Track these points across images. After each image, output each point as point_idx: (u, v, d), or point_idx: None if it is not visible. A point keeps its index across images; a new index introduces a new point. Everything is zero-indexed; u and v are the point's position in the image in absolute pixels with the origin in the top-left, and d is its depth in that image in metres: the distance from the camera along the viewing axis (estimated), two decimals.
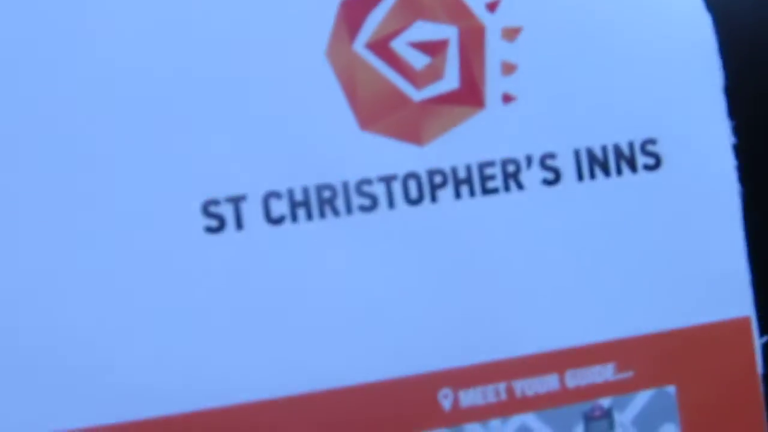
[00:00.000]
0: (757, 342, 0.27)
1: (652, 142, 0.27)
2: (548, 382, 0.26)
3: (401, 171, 0.25)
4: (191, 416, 0.24)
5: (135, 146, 0.24)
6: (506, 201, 0.26)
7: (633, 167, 0.26)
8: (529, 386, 0.26)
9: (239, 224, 0.25)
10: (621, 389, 0.26)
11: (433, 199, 0.26)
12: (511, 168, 0.26)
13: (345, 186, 0.25)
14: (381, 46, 0.26)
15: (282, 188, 0.25)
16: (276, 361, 0.25)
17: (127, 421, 0.24)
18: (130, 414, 0.24)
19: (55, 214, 0.24)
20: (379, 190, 0.25)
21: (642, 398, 0.27)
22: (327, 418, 0.25)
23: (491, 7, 0.26)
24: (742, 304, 0.27)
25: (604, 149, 0.26)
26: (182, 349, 0.24)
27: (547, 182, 0.26)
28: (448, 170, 0.26)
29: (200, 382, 0.25)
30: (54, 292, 0.24)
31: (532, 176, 0.26)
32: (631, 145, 0.26)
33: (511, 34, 0.26)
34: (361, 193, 0.25)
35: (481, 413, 0.26)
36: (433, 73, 0.26)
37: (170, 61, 0.25)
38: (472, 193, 0.26)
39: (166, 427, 0.24)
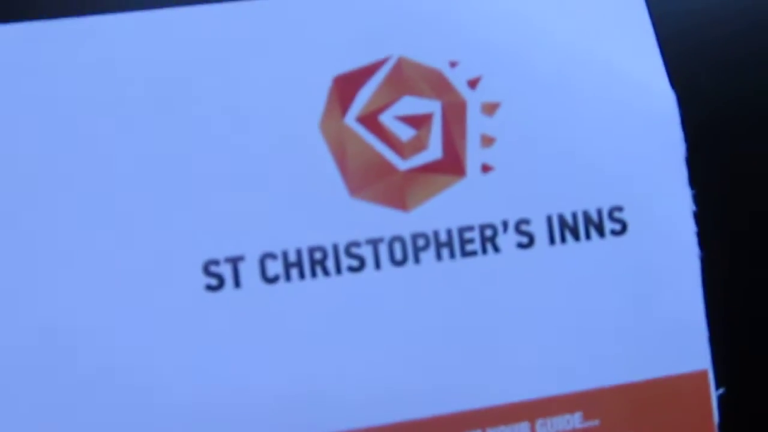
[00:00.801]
0: (714, 394, 0.29)
1: (619, 209, 0.29)
2: (520, 430, 0.28)
3: (387, 234, 0.28)
4: None
5: (143, 209, 0.26)
6: (483, 263, 0.28)
7: (601, 232, 0.29)
8: None
9: (237, 283, 0.27)
10: None
11: (417, 260, 0.28)
12: (488, 232, 0.28)
13: (335, 248, 0.27)
14: (370, 120, 0.28)
15: (277, 250, 0.27)
16: (269, 411, 0.27)
17: None
18: None
19: (70, 270, 0.26)
20: (366, 252, 0.27)
21: None
22: None
23: (472, 84, 0.28)
24: (700, 359, 0.29)
25: (574, 215, 0.29)
26: (181, 394, 0.26)
27: (522, 246, 0.28)
28: (430, 234, 0.28)
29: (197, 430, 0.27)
30: (65, 339, 0.26)
31: (508, 240, 0.28)
32: (599, 212, 0.29)
33: (490, 109, 0.28)
34: (350, 255, 0.27)
35: None
36: (418, 144, 0.28)
37: (174, 130, 0.27)
38: (452, 255, 0.28)
39: None
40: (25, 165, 0.26)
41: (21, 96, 0.26)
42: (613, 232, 0.29)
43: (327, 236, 0.27)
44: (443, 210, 0.28)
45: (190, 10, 0.27)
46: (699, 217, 0.29)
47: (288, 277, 0.27)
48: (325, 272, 0.27)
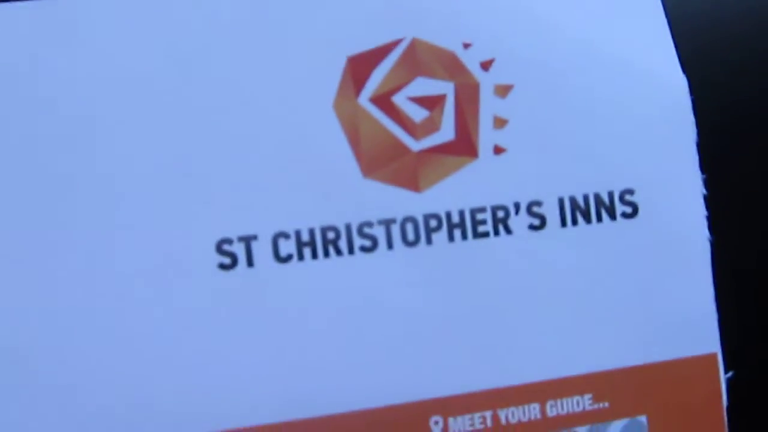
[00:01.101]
0: (723, 377, 0.29)
1: (630, 192, 0.29)
2: (530, 411, 0.28)
3: (400, 215, 0.28)
4: None
5: (157, 189, 0.26)
6: (495, 244, 0.28)
7: (612, 215, 0.29)
8: (512, 414, 0.28)
9: (250, 262, 0.27)
10: (597, 418, 0.29)
11: (429, 241, 0.28)
12: (500, 214, 0.28)
13: (348, 228, 0.27)
14: (383, 100, 0.28)
15: (290, 229, 0.27)
16: (281, 388, 0.27)
17: None
18: None
19: (84, 254, 0.26)
20: (378, 232, 0.28)
21: (616, 427, 0.29)
22: None
23: (485, 66, 0.28)
24: (709, 342, 0.29)
25: (585, 198, 0.29)
26: (195, 373, 0.27)
27: (533, 227, 0.28)
28: (443, 215, 0.28)
29: (210, 407, 0.27)
30: (80, 320, 0.26)
31: (520, 222, 0.28)
32: (610, 195, 0.29)
33: (503, 91, 0.28)
34: (363, 235, 0.28)
35: None
36: (431, 126, 0.28)
37: (187, 112, 0.27)
38: (464, 236, 0.28)
39: None
40: (39, 151, 0.26)
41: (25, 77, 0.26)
42: (624, 215, 0.29)
43: (340, 216, 0.27)
44: (455, 191, 0.28)
45: None
46: (709, 202, 0.29)
47: (301, 257, 0.27)
48: (338, 252, 0.27)
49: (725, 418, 0.29)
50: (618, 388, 0.29)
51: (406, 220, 0.28)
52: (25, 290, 0.26)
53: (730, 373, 0.30)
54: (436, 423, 0.28)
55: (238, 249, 0.27)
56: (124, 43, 0.27)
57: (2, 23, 0.26)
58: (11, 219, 0.26)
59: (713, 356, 0.29)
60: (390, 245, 0.28)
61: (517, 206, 0.28)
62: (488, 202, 0.28)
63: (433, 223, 0.28)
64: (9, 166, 0.26)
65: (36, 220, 0.26)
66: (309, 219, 0.27)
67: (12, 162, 0.26)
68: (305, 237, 0.27)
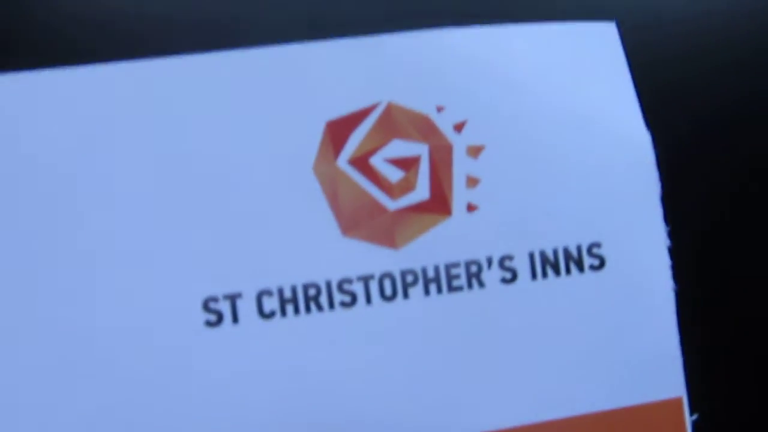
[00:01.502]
0: (688, 419, 0.31)
1: (597, 245, 0.30)
2: None
3: (378, 271, 0.29)
4: None
5: (146, 248, 0.28)
6: (469, 297, 0.30)
7: (580, 267, 0.30)
8: None
9: (235, 318, 0.28)
10: None
11: (406, 295, 0.29)
12: (473, 268, 0.30)
13: (328, 284, 0.29)
14: (361, 162, 0.29)
15: (273, 286, 0.28)
16: None
17: None
18: None
19: (78, 311, 0.27)
20: (358, 288, 0.29)
21: None
22: None
23: (458, 128, 0.30)
24: (675, 387, 0.31)
25: (555, 251, 0.30)
26: (184, 425, 0.28)
27: (505, 281, 0.30)
28: (419, 270, 0.29)
29: None
30: (72, 371, 0.27)
31: (492, 275, 0.30)
32: (578, 248, 0.30)
33: (474, 151, 0.30)
34: (342, 291, 0.29)
35: None
36: (407, 185, 0.29)
37: (174, 174, 0.28)
38: (439, 290, 0.29)
39: None
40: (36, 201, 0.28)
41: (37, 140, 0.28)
42: (592, 267, 0.30)
43: (320, 273, 0.29)
44: (431, 247, 0.29)
45: (190, 59, 0.29)
46: (673, 252, 0.31)
47: (284, 313, 0.28)
48: (319, 307, 0.29)
49: None
50: None
51: (383, 276, 0.29)
52: (19, 347, 0.27)
53: (695, 416, 0.31)
54: None
55: (224, 306, 0.28)
56: (117, 109, 0.28)
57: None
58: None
59: (679, 400, 0.31)
60: (369, 300, 0.29)
61: (489, 260, 0.30)
62: (462, 257, 0.29)
63: (410, 278, 0.29)
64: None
65: (33, 275, 0.27)
66: (291, 276, 0.29)
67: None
68: (288, 294, 0.29)
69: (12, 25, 0.28)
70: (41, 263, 0.27)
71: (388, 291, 0.29)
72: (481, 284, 0.30)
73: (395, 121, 0.29)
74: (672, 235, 0.31)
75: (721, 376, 0.31)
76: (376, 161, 0.29)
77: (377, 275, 0.29)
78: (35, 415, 0.27)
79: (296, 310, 0.29)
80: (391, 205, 0.29)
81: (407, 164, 0.29)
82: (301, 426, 0.28)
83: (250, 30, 0.29)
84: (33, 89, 0.28)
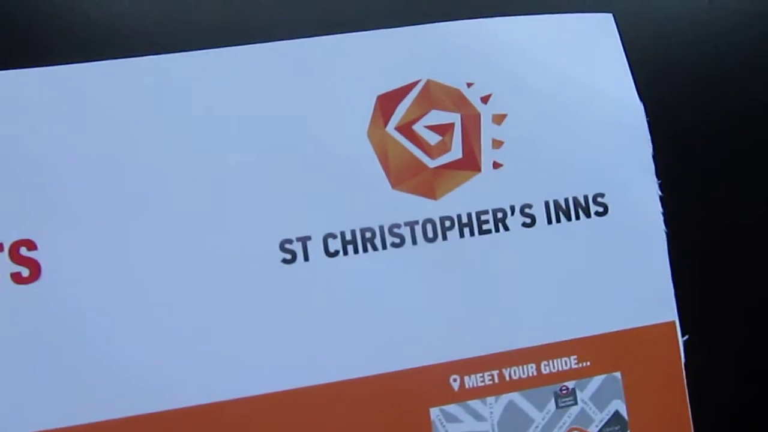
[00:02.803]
0: (680, 340, 0.37)
1: (602, 195, 0.37)
2: (528, 370, 0.36)
3: (421, 218, 0.35)
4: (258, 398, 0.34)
5: (236, 202, 0.34)
6: (497, 239, 0.36)
7: (587, 214, 0.36)
8: (514, 372, 0.36)
9: (306, 257, 0.35)
10: (582, 375, 0.36)
11: (444, 238, 0.35)
12: (499, 215, 0.36)
13: (381, 229, 0.35)
14: (406, 129, 0.36)
15: (337, 231, 0.35)
16: (330, 354, 0.34)
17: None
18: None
19: (175, 251, 0.34)
20: (405, 232, 0.35)
21: (597, 381, 0.36)
22: (370, 398, 0.34)
23: (485, 100, 0.36)
24: (668, 312, 0.37)
25: (566, 201, 0.36)
26: (260, 342, 0.34)
27: (526, 225, 0.36)
28: (455, 217, 0.36)
29: (271, 370, 0.34)
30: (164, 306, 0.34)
31: (515, 221, 0.36)
32: (585, 198, 0.36)
33: (499, 119, 0.36)
34: (393, 234, 0.35)
35: (481, 392, 0.35)
36: (443, 147, 0.36)
37: (255, 146, 0.34)
38: (472, 233, 0.36)
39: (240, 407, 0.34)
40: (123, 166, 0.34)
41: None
42: (597, 214, 0.36)
43: (374, 220, 0.35)
44: (464, 198, 0.36)
45: (261, 48, 0.35)
46: (664, 201, 0.37)
47: (345, 252, 0.35)
48: (374, 248, 0.35)
49: (683, 373, 0.37)
50: (597, 350, 0.36)
51: (426, 221, 0.35)
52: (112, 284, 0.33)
53: (686, 337, 0.37)
54: (455, 380, 0.35)
55: (297, 247, 0.34)
56: (210, 94, 0.35)
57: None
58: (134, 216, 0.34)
59: (672, 323, 0.37)
60: (414, 242, 0.35)
61: (512, 209, 0.36)
62: (490, 206, 0.36)
63: (448, 223, 0.35)
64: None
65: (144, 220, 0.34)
66: (351, 222, 0.35)
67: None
68: (348, 237, 0.35)
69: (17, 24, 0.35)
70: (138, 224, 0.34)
71: (430, 234, 0.35)
72: (506, 228, 0.36)
73: (433, 95, 0.36)
74: (663, 187, 0.37)
75: (709, 303, 0.38)
76: (418, 128, 0.36)
77: (421, 221, 0.35)
78: (144, 337, 0.33)
79: (356, 250, 0.35)
80: (431, 163, 0.36)
81: (443, 130, 0.36)
82: (361, 340, 0.34)
83: (309, 21, 0.36)
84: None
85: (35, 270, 0.33)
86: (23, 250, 0.33)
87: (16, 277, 0.33)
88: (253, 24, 0.36)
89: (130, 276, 0.34)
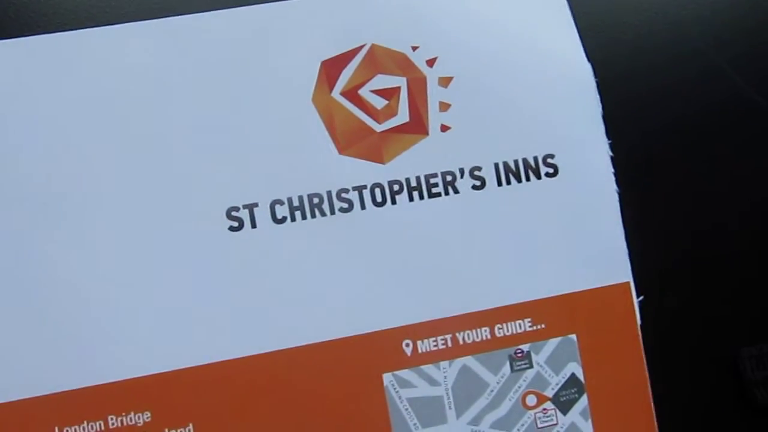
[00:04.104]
0: (635, 300, 0.37)
1: (551, 156, 0.36)
2: (482, 333, 0.35)
3: (369, 182, 0.35)
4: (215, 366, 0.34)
5: (182, 171, 0.34)
6: (446, 202, 0.36)
7: (537, 175, 0.36)
8: (468, 336, 0.35)
9: (253, 224, 0.34)
10: (536, 337, 0.36)
11: (393, 202, 0.35)
12: (449, 178, 0.36)
13: (329, 194, 0.35)
14: (352, 93, 0.35)
15: (284, 197, 0.34)
16: (280, 321, 0.34)
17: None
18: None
19: (129, 219, 0.33)
20: (353, 196, 0.35)
21: (552, 344, 0.36)
22: (322, 365, 0.34)
23: (430, 63, 0.36)
24: (623, 273, 0.37)
25: (516, 162, 0.36)
26: (209, 311, 0.34)
27: (476, 188, 0.36)
28: (403, 181, 0.35)
29: (222, 338, 0.34)
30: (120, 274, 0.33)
31: (465, 183, 0.36)
32: (535, 159, 0.36)
33: (445, 82, 0.36)
34: (341, 199, 0.35)
35: (434, 357, 0.35)
36: (390, 111, 0.36)
37: (198, 115, 0.34)
38: (421, 196, 0.35)
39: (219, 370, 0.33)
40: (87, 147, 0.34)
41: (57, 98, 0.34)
42: (548, 175, 0.36)
43: (322, 185, 0.35)
44: (412, 162, 0.35)
45: (200, 17, 0.35)
46: (615, 161, 0.37)
47: (293, 218, 0.34)
48: (322, 213, 0.35)
49: (639, 334, 0.37)
50: (551, 312, 0.36)
51: (374, 186, 0.35)
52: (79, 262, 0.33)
53: (641, 298, 0.37)
54: (407, 345, 0.35)
55: (244, 214, 0.34)
56: (150, 65, 0.34)
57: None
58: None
59: (626, 284, 0.37)
60: (363, 206, 0.35)
61: (461, 171, 0.36)
62: (439, 169, 0.36)
63: (396, 187, 0.35)
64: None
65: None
66: (298, 188, 0.35)
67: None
68: (296, 203, 0.35)
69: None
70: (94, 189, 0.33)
71: (379, 198, 0.35)
72: (456, 191, 0.36)
73: (378, 59, 0.36)
74: (613, 147, 0.37)
75: (661, 264, 0.37)
76: (364, 92, 0.35)
77: (369, 185, 0.35)
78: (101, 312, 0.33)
79: (303, 216, 0.35)
80: (378, 127, 0.35)
81: (389, 94, 0.36)
82: (310, 307, 0.34)
83: None
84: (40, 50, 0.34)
85: None
86: None
87: None
88: None
89: (80, 249, 0.33)
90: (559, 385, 0.36)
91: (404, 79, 0.36)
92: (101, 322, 0.33)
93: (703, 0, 0.39)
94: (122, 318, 0.33)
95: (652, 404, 0.36)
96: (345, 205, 0.35)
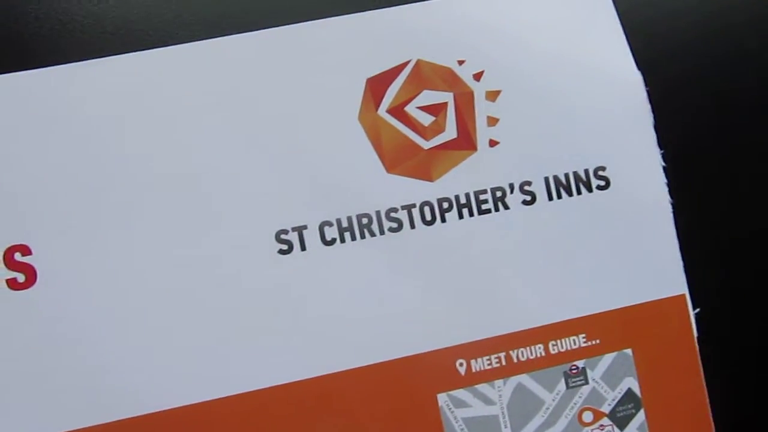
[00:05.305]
0: (692, 313, 0.36)
1: (602, 168, 0.36)
2: (536, 350, 0.35)
3: (418, 200, 0.35)
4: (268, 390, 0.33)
5: (229, 196, 0.34)
6: (496, 218, 0.35)
7: (589, 188, 0.36)
8: (522, 354, 0.35)
9: (303, 247, 0.34)
10: (591, 353, 0.35)
11: (443, 220, 0.35)
12: (498, 194, 0.35)
13: (378, 214, 0.34)
14: (398, 111, 0.35)
15: (333, 218, 0.34)
16: (333, 344, 0.34)
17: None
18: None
19: (177, 245, 0.33)
20: (403, 215, 0.35)
21: (607, 359, 0.35)
22: (377, 387, 0.34)
23: (477, 77, 0.35)
24: (678, 285, 0.36)
25: (566, 176, 0.35)
26: (262, 335, 0.33)
27: (526, 203, 0.35)
28: (452, 198, 0.35)
29: (275, 362, 0.33)
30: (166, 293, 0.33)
31: (515, 199, 0.35)
32: (586, 172, 0.36)
33: (492, 95, 0.35)
34: (390, 219, 0.34)
35: (488, 376, 0.35)
36: (437, 128, 0.35)
37: (249, 137, 0.34)
38: (471, 213, 0.35)
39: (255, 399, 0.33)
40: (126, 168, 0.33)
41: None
42: (599, 188, 0.36)
43: (371, 205, 0.34)
44: (461, 178, 0.35)
45: (244, 37, 0.35)
46: (667, 172, 0.36)
47: (342, 240, 0.34)
48: (371, 233, 0.34)
49: (696, 347, 0.36)
50: (606, 327, 0.35)
51: (423, 204, 0.35)
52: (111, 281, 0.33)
53: (697, 310, 0.36)
54: (461, 364, 0.34)
55: (293, 237, 0.34)
56: (198, 87, 0.34)
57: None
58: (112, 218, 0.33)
59: (682, 297, 0.36)
60: (412, 225, 0.35)
61: (511, 187, 0.35)
62: (488, 185, 0.35)
63: (446, 205, 0.35)
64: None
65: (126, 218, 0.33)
66: (347, 209, 0.34)
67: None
68: (345, 224, 0.34)
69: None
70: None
71: (428, 216, 0.35)
72: (506, 206, 0.35)
73: (424, 75, 0.35)
74: (665, 157, 0.36)
75: (718, 276, 0.37)
76: (411, 109, 0.35)
77: (418, 204, 0.35)
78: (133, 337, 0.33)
79: (353, 237, 0.34)
80: (426, 144, 0.35)
81: (436, 110, 0.35)
82: (365, 327, 0.34)
83: (293, 8, 0.35)
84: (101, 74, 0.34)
85: (31, 275, 0.33)
86: (18, 256, 0.33)
87: (12, 283, 0.33)
88: (238, 14, 0.35)
89: (126, 277, 0.33)
90: (616, 401, 0.35)
91: (451, 95, 0.35)
92: (148, 355, 0.33)
93: (756, 3, 0.38)
94: (170, 350, 0.33)
95: (711, 417, 0.36)
96: (394, 225, 0.34)
